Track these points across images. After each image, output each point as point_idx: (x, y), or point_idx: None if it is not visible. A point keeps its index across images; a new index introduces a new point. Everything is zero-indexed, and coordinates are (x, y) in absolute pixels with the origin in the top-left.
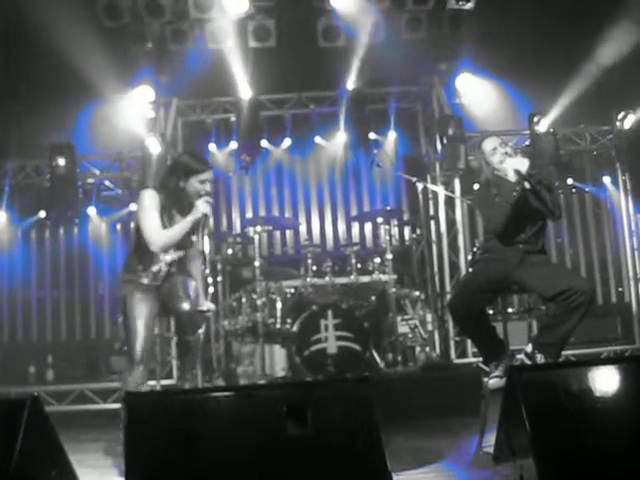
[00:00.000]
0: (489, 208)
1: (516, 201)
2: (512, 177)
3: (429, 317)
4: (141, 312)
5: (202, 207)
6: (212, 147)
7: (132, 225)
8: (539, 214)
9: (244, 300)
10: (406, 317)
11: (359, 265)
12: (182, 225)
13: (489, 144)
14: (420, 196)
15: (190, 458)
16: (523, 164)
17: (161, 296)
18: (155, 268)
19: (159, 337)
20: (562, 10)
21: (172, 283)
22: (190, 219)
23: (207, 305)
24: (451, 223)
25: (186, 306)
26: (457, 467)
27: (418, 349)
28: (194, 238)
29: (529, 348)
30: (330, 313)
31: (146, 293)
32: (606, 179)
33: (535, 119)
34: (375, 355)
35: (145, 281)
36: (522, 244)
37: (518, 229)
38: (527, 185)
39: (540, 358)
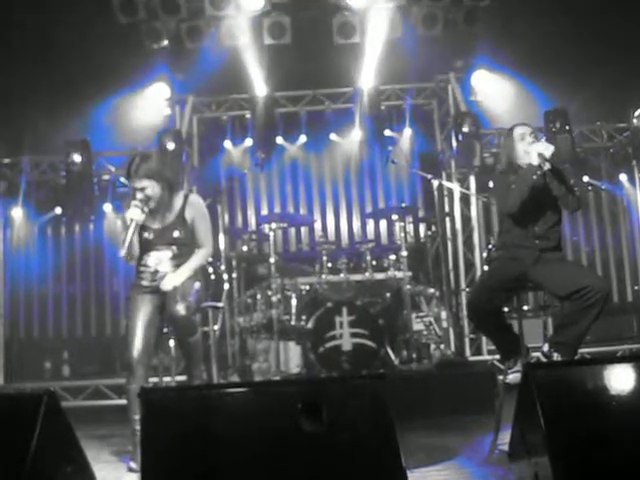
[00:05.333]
0: (505, 191)
1: (534, 185)
2: (535, 160)
3: (444, 314)
4: (141, 313)
5: (127, 213)
6: (227, 144)
7: None
8: (555, 207)
9: (259, 297)
10: (421, 314)
11: (374, 262)
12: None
13: (519, 130)
14: (435, 193)
15: (205, 453)
16: (548, 149)
17: (162, 297)
18: (142, 269)
19: (172, 334)
20: (579, 6)
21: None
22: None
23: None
24: (466, 220)
25: (181, 311)
26: (471, 464)
27: (433, 346)
28: (176, 234)
29: (546, 347)
30: (345, 310)
31: (147, 295)
32: (622, 176)
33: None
34: (390, 352)
35: (145, 283)
36: (537, 239)
37: (532, 221)
38: (548, 166)
39: (556, 357)
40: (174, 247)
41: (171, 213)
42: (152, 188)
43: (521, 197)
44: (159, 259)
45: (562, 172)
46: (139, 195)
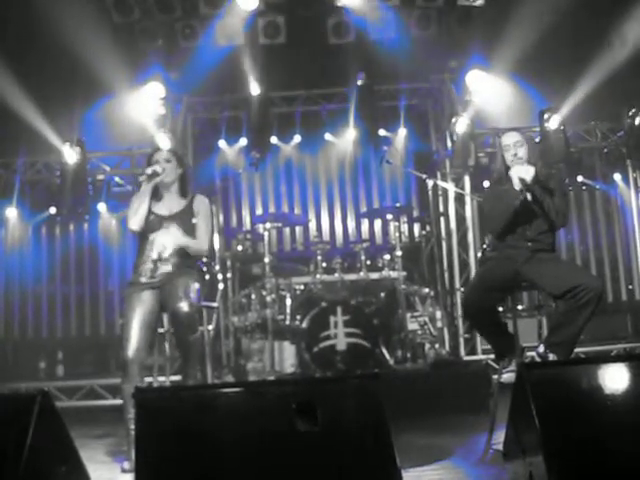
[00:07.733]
0: (493, 207)
1: (516, 208)
2: (517, 185)
3: (438, 314)
4: (137, 311)
5: (147, 169)
6: (222, 144)
7: None
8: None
9: (254, 296)
10: (415, 314)
11: (368, 262)
12: (138, 193)
13: (505, 139)
14: (430, 193)
15: (199, 453)
16: (528, 173)
17: (162, 296)
18: (142, 259)
19: (167, 334)
20: (574, 6)
21: (173, 284)
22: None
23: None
24: (461, 220)
25: (184, 307)
26: (466, 464)
27: (427, 346)
28: (185, 216)
29: (541, 348)
30: (339, 310)
31: (144, 292)
32: (616, 176)
33: (545, 116)
34: (384, 352)
35: (143, 280)
36: (529, 242)
37: (522, 227)
38: (529, 197)
39: (552, 357)
40: (179, 231)
41: (179, 205)
42: (172, 165)
43: (506, 220)
44: (163, 245)
45: (541, 201)
46: (161, 162)
